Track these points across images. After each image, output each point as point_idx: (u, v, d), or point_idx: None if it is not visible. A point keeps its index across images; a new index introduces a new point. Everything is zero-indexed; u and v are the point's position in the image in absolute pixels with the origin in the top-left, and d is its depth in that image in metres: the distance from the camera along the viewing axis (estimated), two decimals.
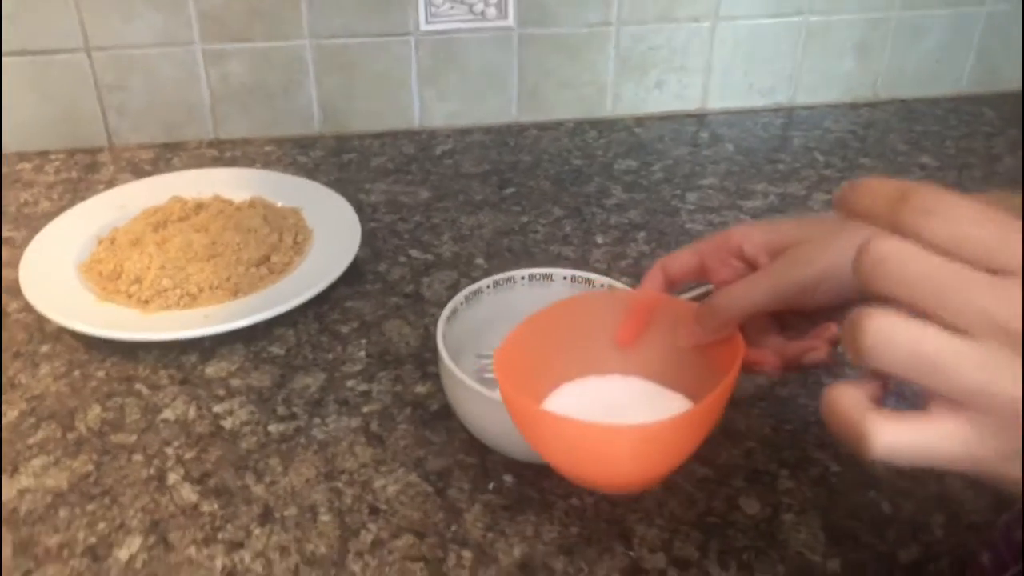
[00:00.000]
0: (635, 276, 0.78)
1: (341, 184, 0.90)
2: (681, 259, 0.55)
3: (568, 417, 0.47)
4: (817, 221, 0.52)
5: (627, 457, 0.46)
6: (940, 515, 0.56)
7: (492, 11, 0.99)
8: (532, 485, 0.58)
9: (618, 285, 0.63)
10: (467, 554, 0.53)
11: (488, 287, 0.64)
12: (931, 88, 1.12)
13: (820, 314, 0.52)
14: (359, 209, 0.84)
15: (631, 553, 0.54)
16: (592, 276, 0.64)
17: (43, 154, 0.98)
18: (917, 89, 1.12)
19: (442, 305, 0.63)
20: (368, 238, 0.82)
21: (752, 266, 0.52)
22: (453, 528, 0.55)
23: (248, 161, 0.97)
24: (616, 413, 0.53)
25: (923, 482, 0.58)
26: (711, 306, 0.50)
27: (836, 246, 0.48)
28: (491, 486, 0.58)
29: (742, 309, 0.49)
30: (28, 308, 0.72)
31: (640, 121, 1.07)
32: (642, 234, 0.85)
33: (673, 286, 0.56)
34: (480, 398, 0.54)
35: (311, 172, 0.94)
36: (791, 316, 0.54)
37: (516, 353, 0.51)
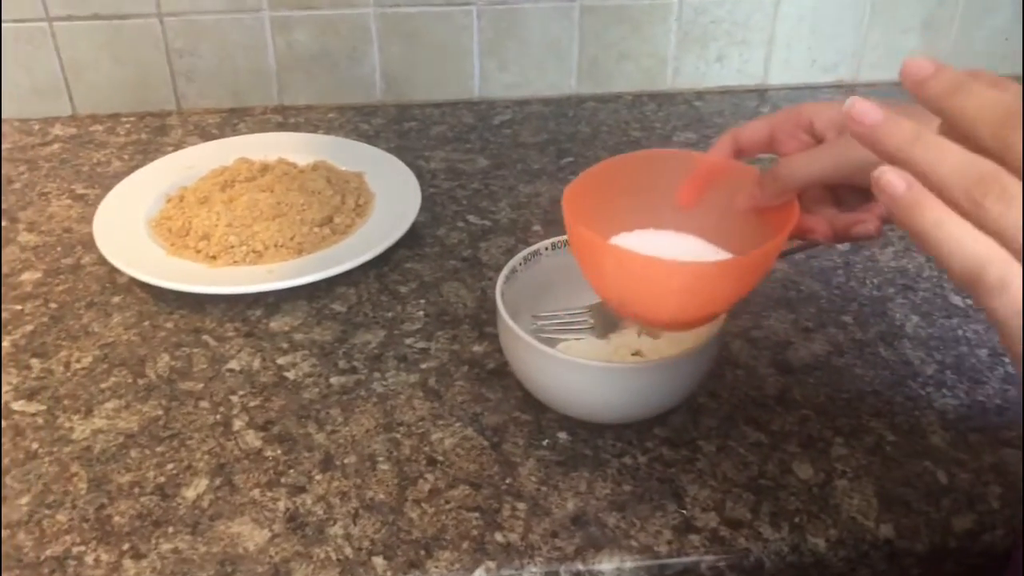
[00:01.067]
0: None
1: (401, 151, 0.92)
2: (752, 129, 0.55)
3: (626, 248, 0.50)
4: (891, 104, 0.51)
5: (674, 293, 0.49)
6: (996, 486, 0.56)
7: None
8: (586, 443, 0.59)
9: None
10: (521, 506, 0.55)
11: (547, 249, 0.65)
12: (999, 66, 1.10)
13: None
14: (419, 175, 0.85)
15: (683, 511, 0.54)
16: None
17: (114, 116, 1.01)
18: (984, 67, 1.09)
19: (499, 269, 0.64)
20: (427, 203, 0.84)
21: (819, 141, 0.53)
22: (508, 481, 0.56)
23: (311, 127, 0.99)
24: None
25: (979, 453, 0.58)
26: (773, 172, 0.51)
27: None
28: (545, 442, 0.59)
29: (802, 178, 0.50)
30: (101, 261, 0.75)
31: (700, 95, 1.07)
32: None
33: (741, 155, 0.56)
34: (538, 354, 0.55)
35: (372, 139, 0.96)
36: (848, 192, 0.54)
37: (584, 194, 0.52)
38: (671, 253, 0.54)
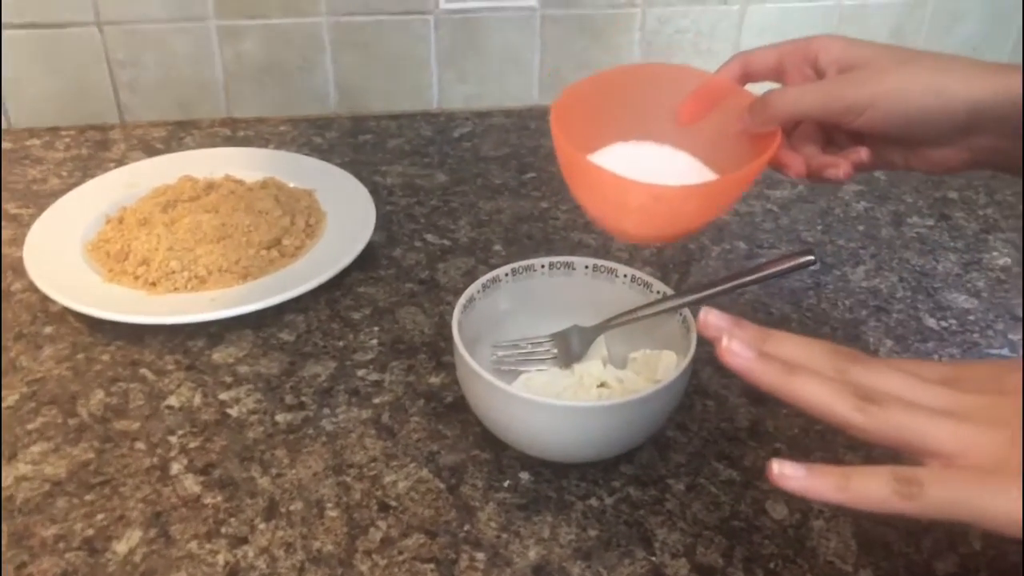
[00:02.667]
0: (658, 266, 0.76)
1: (356, 166, 0.88)
2: (761, 55, 0.55)
3: (593, 163, 0.51)
4: (896, 49, 0.52)
5: (634, 211, 0.51)
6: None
7: None
8: (549, 483, 0.55)
9: (640, 275, 0.61)
10: (480, 556, 0.51)
11: (507, 275, 0.61)
12: None
13: (865, 138, 0.53)
14: (374, 192, 0.81)
15: (652, 558, 0.51)
16: (615, 265, 0.62)
17: (53, 130, 0.96)
18: None
19: (458, 292, 0.60)
20: (383, 222, 0.80)
21: (822, 76, 0.53)
22: (466, 528, 0.53)
23: (262, 141, 0.95)
24: (652, 177, 0.51)
25: None
26: (764, 99, 0.52)
27: (894, 77, 0.50)
28: (506, 484, 0.56)
29: (789, 110, 0.51)
30: (32, 288, 0.70)
31: None
32: None
33: (748, 79, 0.56)
34: (497, 392, 0.52)
35: (326, 153, 0.92)
36: (838, 133, 0.55)
37: (582, 100, 0.53)
38: (658, 167, 0.54)
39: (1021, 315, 0.71)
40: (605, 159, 0.54)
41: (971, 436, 0.36)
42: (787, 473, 0.37)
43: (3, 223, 0.81)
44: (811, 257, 0.54)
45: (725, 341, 0.39)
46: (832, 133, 0.55)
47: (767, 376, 0.39)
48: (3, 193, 0.85)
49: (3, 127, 0.96)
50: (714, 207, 0.52)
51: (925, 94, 0.49)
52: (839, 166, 0.52)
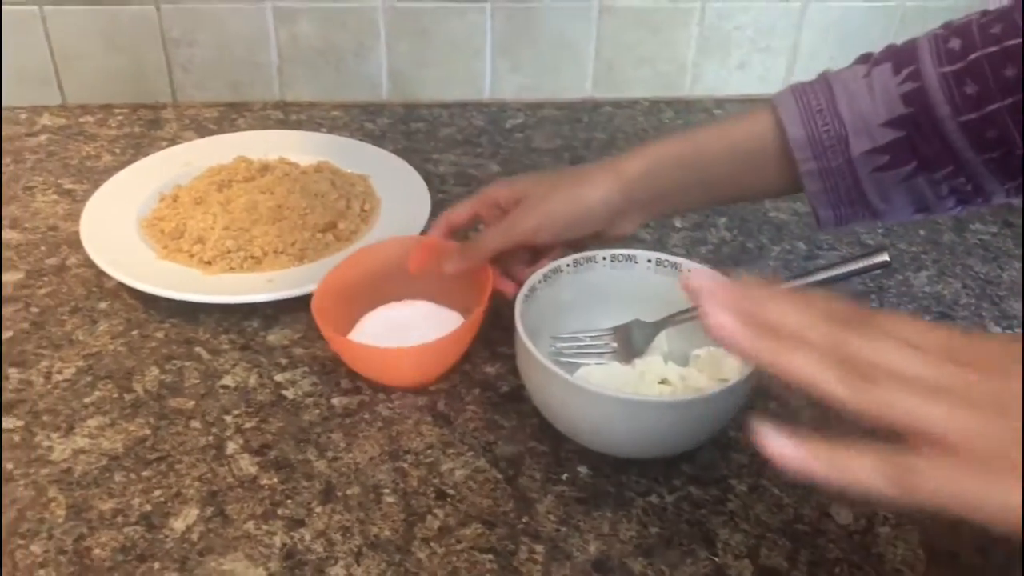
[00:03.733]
0: (716, 263, 0.74)
1: (408, 153, 0.87)
2: (461, 211, 0.66)
3: (363, 344, 0.60)
4: (546, 178, 0.63)
5: (409, 367, 0.60)
6: None
7: None
8: (608, 479, 0.55)
9: (700, 267, 0.59)
10: (539, 548, 0.50)
11: (568, 266, 0.61)
12: None
13: (551, 248, 0.63)
14: (427, 180, 0.80)
15: (715, 558, 0.50)
16: (678, 259, 0.61)
17: (106, 107, 0.96)
18: None
19: None
20: (436, 210, 0.78)
21: (506, 214, 0.63)
22: (524, 519, 0.52)
23: (313, 125, 0.95)
24: (404, 333, 0.61)
25: None
26: (470, 245, 0.63)
27: (546, 201, 0.60)
28: (564, 477, 0.55)
29: (487, 250, 0.62)
30: (87, 263, 0.70)
31: (720, 103, 1.03)
32: (723, 220, 0.81)
33: (454, 231, 0.66)
34: (561, 383, 0.51)
35: (378, 139, 0.91)
36: (537, 248, 0.64)
37: (328, 296, 0.61)
38: (408, 322, 0.64)
39: (1022, 315, 0.71)
40: (363, 330, 0.63)
41: (968, 422, 0.32)
42: (771, 440, 0.33)
43: (57, 197, 0.81)
44: (886, 257, 0.53)
45: (707, 307, 0.35)
46: (536, 248, 0.63)
47: (753, 350, 0.35)
48: (58, 167, 0.85)
49: (58, 102, 0.96)
50: (460, 347, 0.62)
51: (569, 204, 0.60)
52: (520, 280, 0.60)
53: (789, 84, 0.58)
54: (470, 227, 0.67)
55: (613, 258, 0.61)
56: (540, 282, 0.59)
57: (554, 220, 0.60)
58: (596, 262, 0.61)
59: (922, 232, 0.81)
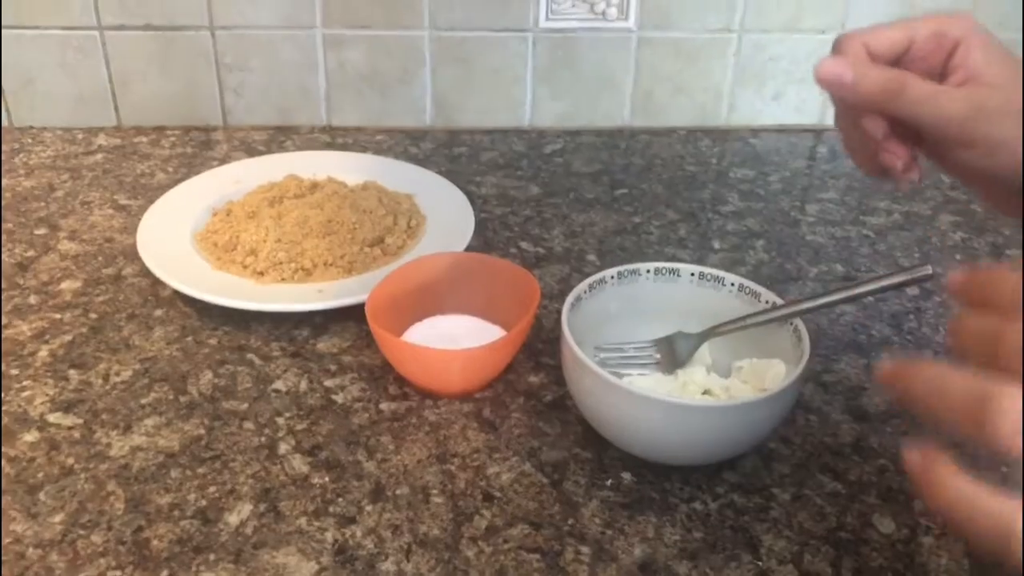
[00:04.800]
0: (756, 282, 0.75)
1: (451, 175, 0.89)
2: (889, 37, 0.49)
3: (414, 344, 0.62)
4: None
5: (457, 370, 0.61)
6: None
7: (613, 11, 0.97)
8: (652, 485, 0.55)
9: (749, 284, 0.61)
10: (585, 550, 0.51)
11: (612, 277, 0.62)
12: None
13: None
14: (469, 200, 0.82)
15: (759, 563, 0.51)
16: (722, 274, 0.62)
17: (159, 129, 1.00)
18: None
19: (554, 297, 0.61)
20: (479, 229, 0.81)
21: (946, 74, 0.49)
22: (570, 522, 0.53)
23: (359, 148, 0.97)
24: (451, 344, 0.62)
25: None
26: (900, 82, 0.46)
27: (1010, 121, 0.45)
28: (609, 482, 0.56)
29: (922, 110, 0.46)
30: (143, 273, 0.73)
31: (755, 132, 1.04)
32: (760, 242, 0.82)
33: (874, 60, 0.49)
34: (608, 386, 0.52)
35: (422, 162, 0.93)
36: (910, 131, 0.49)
37: (380, 302, 0.63)
38: (454, 333, 0.65)
39: (1021, 316, 0.70)
40: (414, 336, 0.65)
41: None
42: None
43: (113, 212, 0.84)
44: (929, 270, 0.54)
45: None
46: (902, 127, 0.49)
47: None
48: (114, 184, 0.88)
49: (113, 124, 1.00)
50: (506, 357, 0.63)
51: None
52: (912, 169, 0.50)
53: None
54: (893, 57, 0.50)
55: (657, 271, 0.63)
56: (585, 292, 0.60)
57: (994, 146, 0.46)
58: (640, 275, 0.63)
59: (958, 257, 0.82)
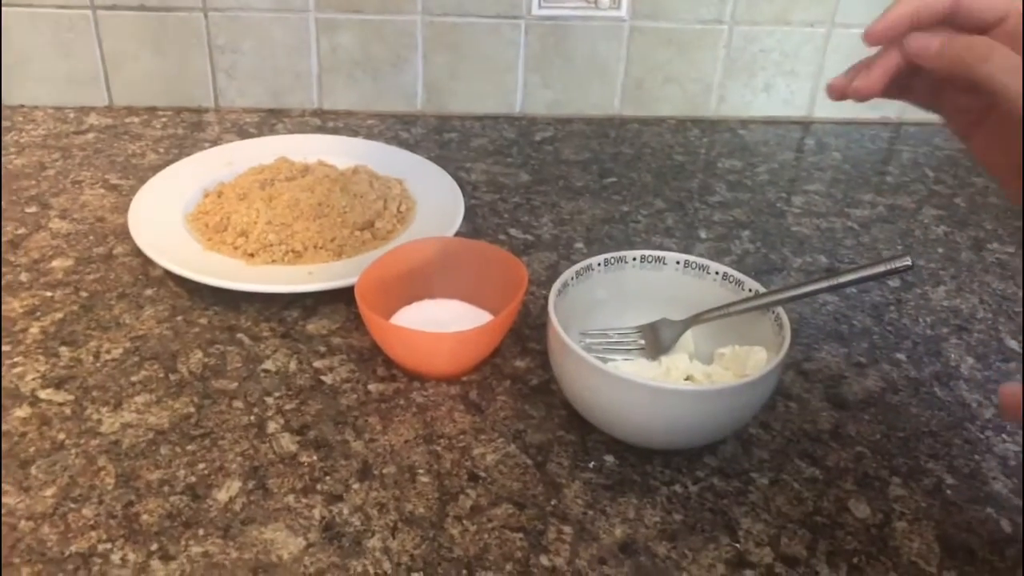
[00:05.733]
0: (740, 272, 0.77)
1: (442, 161, 0.90)
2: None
3: (403, 327, 0.63)
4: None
5: (445, 353, 0.62)
6: None
7: (606, 0, 0.97)
8: (634, 468, 0.57)
9: (733, 273, 0.62)
10: (567, 529, 0.52)
11: (599, 265, 0.63)
12: None
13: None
14: (459, 186, 0.83)
15: (737, 544, 0.52)
16: (706, 262, 0.63)
17: (151, 110, 1.00)
18: None
19: (541, 284, 0.61)
20: (468, 215, 0.82)
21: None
22: (553, 502, 0.54)
23: (350, 132, 0.98)
24: (439, 327, 0.61)
25: None
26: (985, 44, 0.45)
27: None
28: (592, 465, 0.57)
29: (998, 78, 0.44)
30: (134, 252, 0.73)
31: (744, 123, 1.05)
32: (746, 232, 0.83)
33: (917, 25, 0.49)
34: (593, 370, 0.53)
35: (412, 148, 0.94)
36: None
37: (370, 285, 0.63)
38: (443, 318, 0.66)
39: (1021, 318, 0.73)
40: (401, 320, 0.66)
41: None
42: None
43: (104, 191, 0.84)
44: (908, 261, 0.55)
45: None
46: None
47: None
48: (105, 164, 0.89)
49: (105, 103, 1.00)
50: (493, 341, 0.64)
51: None
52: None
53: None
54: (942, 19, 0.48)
55: (643, 259, 0.64)
56: (572, 279, 0.61)
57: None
58: (626, 262, 0.64)
59: (940, 250, 0.83)
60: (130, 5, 0.94)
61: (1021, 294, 0.77)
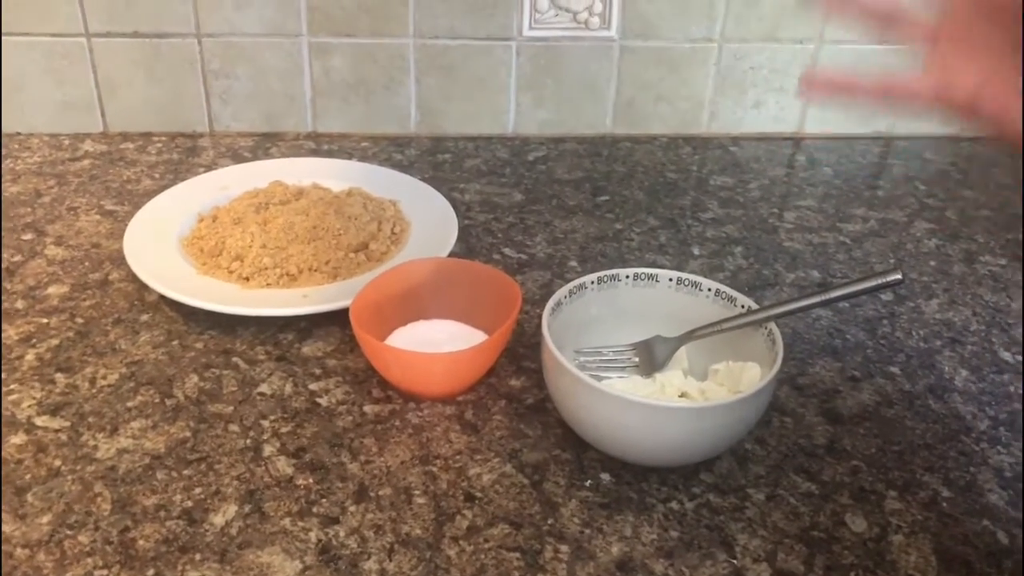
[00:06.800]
0: (734, 289, 0.77)
1: (435, 182, 0.90)
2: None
3: (398, 348, 0.63)
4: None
5: (440, 373, 0.62)
6: None
7: (596, 20, 0.98)
8: (630, 485, 0.57)
9: (725, 290, 0.62)
10: (564, 548, 0.52)
11: (593, 283, 0.63)
12: None
13: None
14: (453, 207, 0.83)
15: (734, 561, 0.52)
16: (699, 279, 0.63)
17: (146, 135, 1.01)
18: None
19: (536, 303, 0.61)
20: (462, 235, 0.82)
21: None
22: (549, 521, 0.54)
23: (344, 155, 0.98)
24: (434, 348, 0.64)
25: None
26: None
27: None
28: (588, 483, 0.57)
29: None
30: (130, 278, 0.73)
31: (735, 140, 1.06)
32: (739, 248, 0.84)
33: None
34: (587, 389, 0.53)
35: (406, 169, 0.94)
36: None
37: (364, 307, 0.63)
38: (437, 339, 0.66)
39: (1021, 320, 0.73)
40: (399, 341, 0.66)
41: None
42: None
43: (100, 217, 0.84)
44: (899, 276, 0.56)
45: None
46: None
47: None
48: (100, 190, 0.89)
49: (100, 130, 1.00)
50: (488, 360, 0.64)
51: None
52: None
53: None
54: None
55: (636, 277, 0.64)
56: (566, 297, 0.61)
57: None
58: (620, 280, 0.64)
59: (933, 263, 0.83)
60: (124, 32, 0.95)
61: (1021, 304, 0.77)
